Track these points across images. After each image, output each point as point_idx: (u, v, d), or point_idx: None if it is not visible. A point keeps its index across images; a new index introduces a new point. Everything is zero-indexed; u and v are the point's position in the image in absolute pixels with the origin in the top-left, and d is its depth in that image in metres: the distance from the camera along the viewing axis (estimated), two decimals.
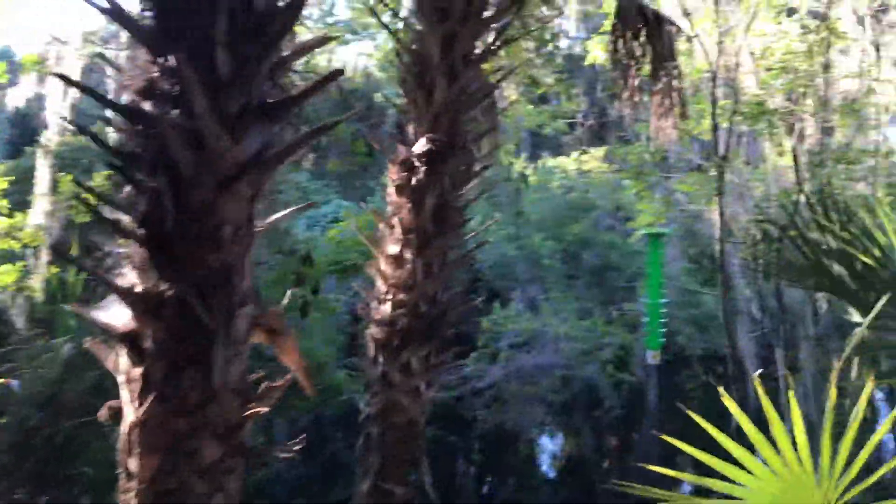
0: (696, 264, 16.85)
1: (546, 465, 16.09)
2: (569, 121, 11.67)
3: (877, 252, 4.12)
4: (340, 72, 3.05)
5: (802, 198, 7.48)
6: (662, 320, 8.88)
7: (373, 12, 6.33)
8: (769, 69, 8.52)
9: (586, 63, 10.04)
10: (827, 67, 7.85)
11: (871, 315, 4.21)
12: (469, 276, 16.37)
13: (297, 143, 3.02)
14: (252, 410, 2.82)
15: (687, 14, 8.81)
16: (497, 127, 7.59)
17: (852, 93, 9.02)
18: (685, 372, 14.40)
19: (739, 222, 10.08)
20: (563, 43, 31.05)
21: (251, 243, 2.87)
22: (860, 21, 9.17)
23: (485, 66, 7.80)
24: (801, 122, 8.40)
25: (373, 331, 5.86)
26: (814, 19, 8.57)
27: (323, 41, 4.97)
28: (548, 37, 6.95)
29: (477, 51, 6.20)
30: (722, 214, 8.36)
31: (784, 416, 2.49)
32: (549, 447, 16.58)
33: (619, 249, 16.01)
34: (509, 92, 10.42)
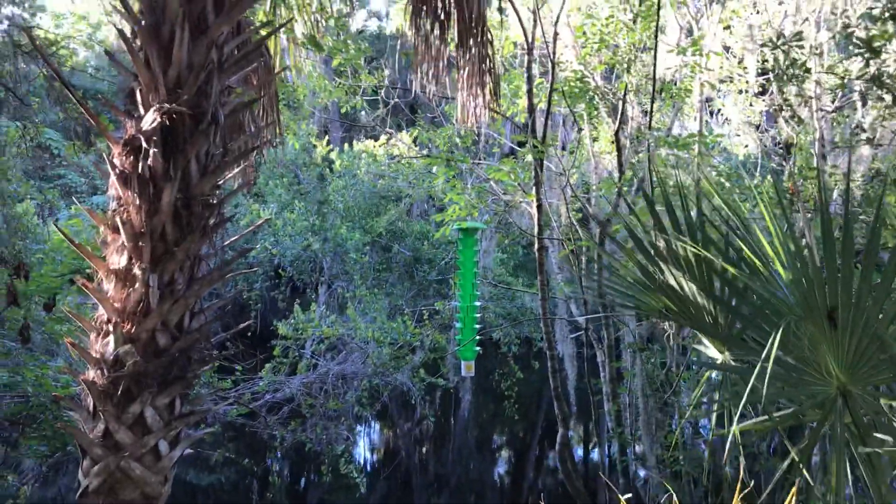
0: (507, 254, 16.29)
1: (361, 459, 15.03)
2: (371, 98, 10.37)
3: (751, 262, 3.11)
4: None
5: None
6: (477, 326, 7.84)
7: None
8: (586, 42, 7.64)
9: (391, 30, 8.79)
10: (652, 40, 7.07)
11: (770, 349, 3.21)
12: (268, 273, 14.81)
13: None
14: None
15: None
16: (275, 99, 6.14)
17: (672, 72, 8.44)
18: (499, 370, 13.70)
19: (558, 215, 9.31)
20: (373, 23, 29.85)
21: None
22: None
23: (257, 21, 6.36)
24: (623, 102, 7.63)
25: (90, 374, 4.26)
26: None
27: None
28: None
29: None
30: (540, 207, 7.42)
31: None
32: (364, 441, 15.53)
33: (431, 240, 15.06)
34: (302, 62, 8.97)
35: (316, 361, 11.83)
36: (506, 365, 13.53)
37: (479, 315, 8.02)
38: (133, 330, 4.22)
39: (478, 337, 8.08)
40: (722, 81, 9.33)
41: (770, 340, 2.65)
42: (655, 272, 3.69)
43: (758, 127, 9.76)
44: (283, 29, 6.11)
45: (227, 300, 4.99)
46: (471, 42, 6.28)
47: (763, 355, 2.63)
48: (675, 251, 3.63)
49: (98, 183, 22.68)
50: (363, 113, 16.00)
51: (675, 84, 8.55)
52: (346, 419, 11.46)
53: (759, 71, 9.00)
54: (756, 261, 3.11)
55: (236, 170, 5.11)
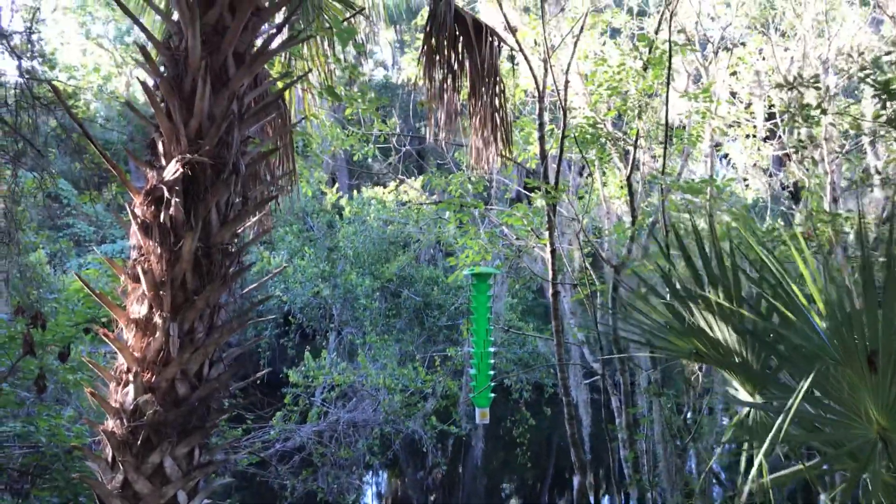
0: (517, 299, 16.26)
1: None
2: (382, 145, 10.47)
3: (783, 302, 3.09)
4: None
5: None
6: (491, 372, 7.79)
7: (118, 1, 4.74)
8: (597, 89, 7.73)
9: (400, 80, 8.91)
10: (663, 87, 7.16)
11: (798, 395, 3.20)
12: (278, 320, 14.78)
13: None
14: None
15: (511, 30, 7.88)
16: (291, 148, 6.21)
17: (682, 118, 8.54)
18: (511, 417, 13.56)
19: (570, 259, 9.32)
20: (379, 73, 30.28)
21: None
22: (689, 42, 8.75)
23: (274, 73, 6.46)
24: (635, 148, 7.70)
25: (109, 424, 4.23)
26: (639, 42, 7.91)
27: None
28: (351, 44, 5.69)
29: (254, 49, 4.82)
30: (553, 251, 7.44)
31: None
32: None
33: (440, 285, 15.07)
34: (316, 111, 9.08)
35: (326, 409, 11.75)
36: (518, 412, 13.41)
37: (492, 361, 7.98)
38: (153, 379, 4.21)
39: (492, 383, 8.03)
40: (730, 126, 9.42)
41: (804, 383, 2.63)
42: (684, 313, 3.68)
43: (765, 171, 9.82)
44: (299, 79, 6.20)
45: (244, 348, 4.99)
46: (483, 91, 6.36)
47: (797, 397, 2.60)
48: (705, 292, 3.62)
49: (107, 233, 22.83)
50: (370, 160, 16.15)
51: (685, 129, 8.64)
52: (356, 468, 11.34)
53: (766, 116, 9.09)
54: (791, 303, 3.09)
55: (254, 219, 5.13)
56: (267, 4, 5.01)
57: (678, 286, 3.78)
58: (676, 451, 7.55)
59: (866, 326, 2.68)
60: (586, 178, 10.35)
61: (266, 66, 5.83)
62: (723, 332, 3.46)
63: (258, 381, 5.84)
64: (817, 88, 6.21)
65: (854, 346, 2.69)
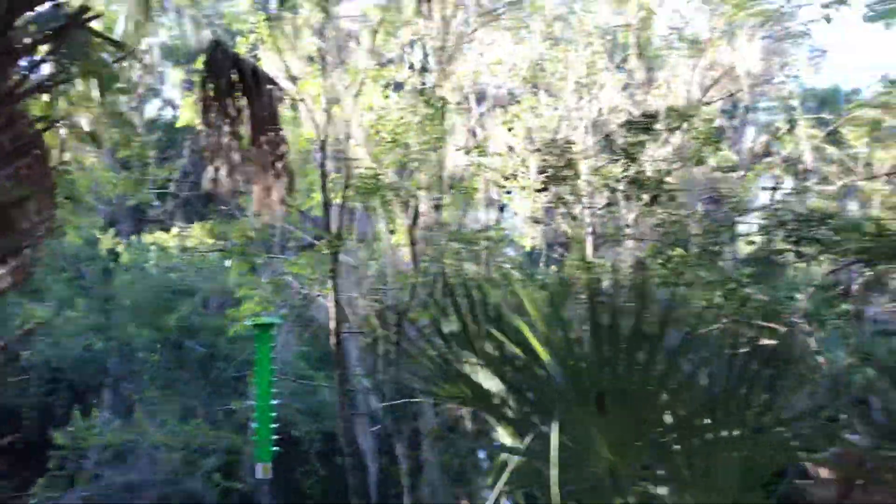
0: (310, 347, 16.01)
1: None
2: (159, 191, 10.04)
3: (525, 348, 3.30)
4: None
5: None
6: (273, 425, 7.60)
7: None
8: (380, 142, 7.95)
9: (178, 125, 8.64)
10: (441, 141, 7.49)
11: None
12: (44, 377, 13.53)
13: None
14: None
15: (293, 78, 7.91)
16: (52, 193, 5.78)
17: (460, 170, 8.95)
18: (301, 468, 13.21)
19: (356, 307, 9.38)
20: (168, 112, 29.08)
21: None
22: (465, 99, 9.23)
23: (36, 113, 6.02)
24: (415, 198, 7.95)
25: None
26: (421, 95, 8.24)
27: None
28: (118, 86, 5.45)
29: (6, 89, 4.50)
30: (337, 300, 7.46)
31: None
32: None
33: (227, 336, 14.49)
34: (84, 155, 8.57)
35: (98, 473, 10.88)
36: (307, 463, 13.10)
37: (275, 414, 7.79)
38: None
39: (275, 436, 7.82)
40: (506, 178, 9.97)
41: (552, 425, 2.82)
42: (452, 360, 3.82)
43: (538, 221, 10.47)
44: (62, 121, 5.84)
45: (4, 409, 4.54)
46: (263, 139, 6.32)
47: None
48: (470, 340, 3.78)
49: None
50: (148, 205, 15.32)
51: (463, 181, 9.07)
52: None
53: (540, 169, 9.73)
54: (532, 349, 3.31)
55: (7, 268, 4.73)
56: (24, 43, 4.71)
57: (447, 334, 3.93)
58: (456, 495, 7.74)
59: (595, 370, 2.93)
60: (374, 226, 10.51)
61: (25, 108, 5.44)
62: (486, 378, 3.63)
63: (14, 445, 5.34)
64: (571, 152, 6.78)
65: (585, 389, 2.94)
